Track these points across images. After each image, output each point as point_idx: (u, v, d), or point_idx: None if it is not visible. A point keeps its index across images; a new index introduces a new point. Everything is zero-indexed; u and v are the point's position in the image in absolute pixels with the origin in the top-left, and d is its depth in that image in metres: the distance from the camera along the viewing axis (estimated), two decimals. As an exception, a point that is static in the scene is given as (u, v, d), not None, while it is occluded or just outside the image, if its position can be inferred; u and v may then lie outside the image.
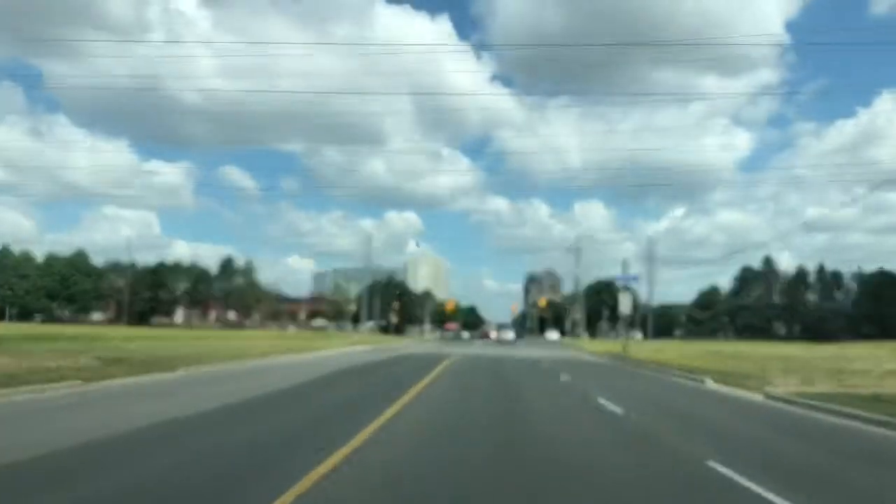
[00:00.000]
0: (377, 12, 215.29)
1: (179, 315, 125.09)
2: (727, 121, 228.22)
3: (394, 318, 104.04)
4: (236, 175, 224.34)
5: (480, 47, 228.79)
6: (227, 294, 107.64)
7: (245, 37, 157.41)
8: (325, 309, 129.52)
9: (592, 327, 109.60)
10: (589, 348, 48.95)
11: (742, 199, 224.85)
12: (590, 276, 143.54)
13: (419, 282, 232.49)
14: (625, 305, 39.73)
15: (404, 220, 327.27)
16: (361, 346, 43.06)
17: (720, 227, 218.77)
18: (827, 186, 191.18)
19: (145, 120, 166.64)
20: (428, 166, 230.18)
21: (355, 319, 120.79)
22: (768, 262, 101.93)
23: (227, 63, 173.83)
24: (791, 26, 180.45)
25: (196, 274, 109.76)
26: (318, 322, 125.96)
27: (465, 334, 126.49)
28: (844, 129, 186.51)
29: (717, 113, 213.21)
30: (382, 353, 33.27)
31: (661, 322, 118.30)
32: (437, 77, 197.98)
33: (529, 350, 45.54)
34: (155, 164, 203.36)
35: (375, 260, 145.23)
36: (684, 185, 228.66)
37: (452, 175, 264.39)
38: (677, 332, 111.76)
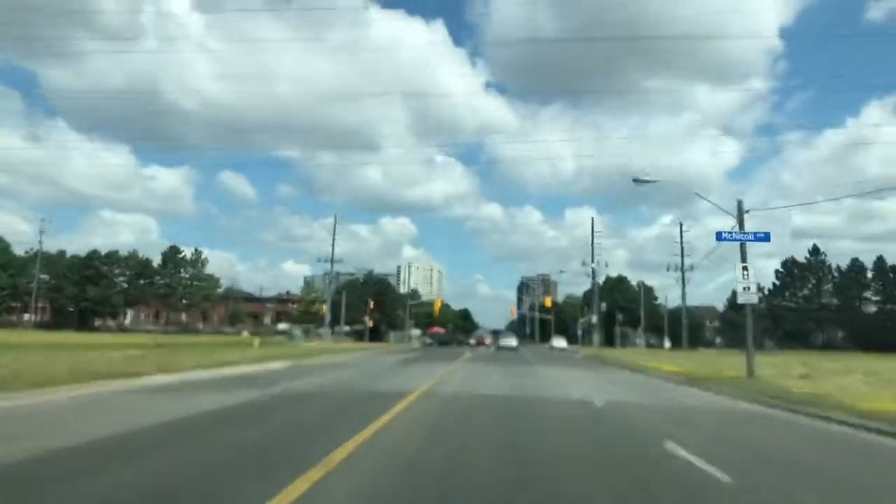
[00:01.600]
0: (372, 19, 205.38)
1: (129, 316, 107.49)
2: (718, 130, 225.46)
3: (368, 321, 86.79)
4: (234, 181, 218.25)
5: (475, 54, 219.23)
6: (171, 290, 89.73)
7: (241, 44, 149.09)
8: (294, 311, 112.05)
9: (609, 333, 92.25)
10: (652, 365, 31.07)
11: (731, 206, 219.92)
12: (584, 284, 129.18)
13: (413, 287, 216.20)
14: (747, 293, 22.35)
15: (398, 225, 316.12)
16: (275, 362, 25.52)
17: (710, 233, 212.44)
18: (814, 194, 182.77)
19: (144, 125, 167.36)
20: (422, 173, 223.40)
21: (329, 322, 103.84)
22: (816, 252, 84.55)
23: (225, 70, 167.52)
24: (785, 33, 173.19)
25: (135, 266, 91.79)
26: (282, 326, 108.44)
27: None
28: (833, 137, 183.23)
29: (708, 122, 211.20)
30: (261, 387, 15.81)
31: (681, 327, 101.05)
32: (431, 84, 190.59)
33: (557, 371, 27.98)
34: (154, 170, 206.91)
35: (369, 265, 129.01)
36: (675, 192, 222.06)
37: (446, 181, 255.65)
38: (713, 339, 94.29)
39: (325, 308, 75.49)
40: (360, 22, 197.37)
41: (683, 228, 73.83)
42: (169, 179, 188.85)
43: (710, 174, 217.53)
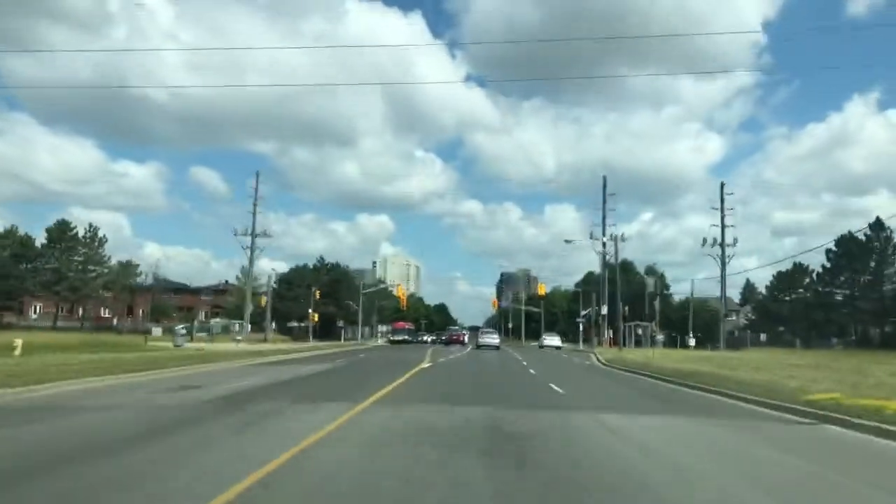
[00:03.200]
0: (348, 9, 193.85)
1: (38, 310, 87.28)
2: (700, 124, 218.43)
3: (313, 315, 67.98)
4: (206, 176, 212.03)
5: (453, 45, 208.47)
6: (60, 276, 69.76)
7: (212, 34, 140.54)
8: (231, 304, 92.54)
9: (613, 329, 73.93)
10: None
11: (713, 202, 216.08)
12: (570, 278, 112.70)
13: (390, 285, 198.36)
14: None
15: (376, 223, 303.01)
16: None
17: (689, 231, 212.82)
18: (796, 190, 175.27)
19: (112, 119, 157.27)
20: (401, 168, 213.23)
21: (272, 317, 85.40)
22: (880, 226, 66.83)
23: (196, 61, 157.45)
24: (768, 28, 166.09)
25: (12, 245, 71.58)
26: (216, 321, 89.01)
27: (427, 337, 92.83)
28: (816, 133, 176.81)
29: (691, 117, 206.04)
30: None
31: (699, 323, 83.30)
32: (410, 77, 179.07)
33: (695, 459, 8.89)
34: (124, 165, 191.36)
35: (346, 263, 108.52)
36: (656, 189, 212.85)
37: (426, 177, 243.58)
38: (739, 334, 76.06)
39: (247, 298, 56.54)
40: (336, 12, 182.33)
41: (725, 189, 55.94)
42: (139, 175, 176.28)
43: (692, 169, 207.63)
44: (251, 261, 54.98)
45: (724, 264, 55.33)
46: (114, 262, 77.25)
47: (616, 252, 47.19)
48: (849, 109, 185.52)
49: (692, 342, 63.32)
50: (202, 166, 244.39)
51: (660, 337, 64.79)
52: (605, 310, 55.68)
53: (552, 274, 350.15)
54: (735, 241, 55.32)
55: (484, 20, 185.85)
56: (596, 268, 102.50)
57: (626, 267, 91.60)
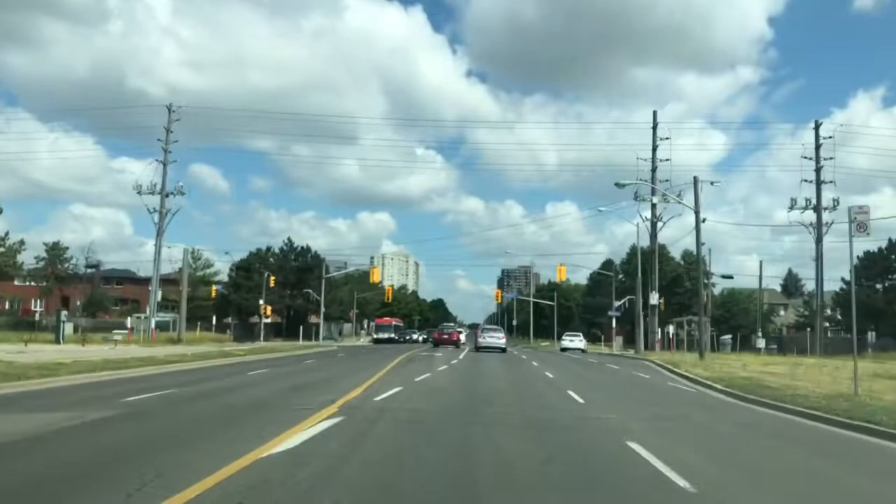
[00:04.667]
0: (348, 4, 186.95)
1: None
2: (704, 120, 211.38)
3: (265, 309, 52.39)
4: (206, 173, 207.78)
5: (453, 41, 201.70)
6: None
7: (212, 30, 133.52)
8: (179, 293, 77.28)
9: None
10: None
11: (716, 201, 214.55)
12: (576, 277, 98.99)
13: (388, 282, 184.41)
14: None
15: (377, 221, 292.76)
16: None
17: (689, 227, 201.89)
18: (799, 188, 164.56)
19: (111, 115, 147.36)
20: (402, 166, 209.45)
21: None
22: None
23: (196, 57, 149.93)
24: (773, 23, 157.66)
25: None
26: (161, 316, 73.74)
27: (418, 335, 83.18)
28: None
29: (694, 112, 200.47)
30: None
31: (741, 320, 67.80)
32: (411, 72, 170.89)
33: None
34: (124, 161, 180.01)
35: (344, 259, 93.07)
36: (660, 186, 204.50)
37: (427, 175, 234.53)
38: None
39: (154, 281, 41.07)
40: (336, 7, 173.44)
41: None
42: (139, 171, 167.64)
43: (694, 166, 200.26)
44: (160, 230, 39.45)
45: (820, 236, 39.88)
46: (12, 240, 61.61)
47: (696, 202, 30.98)
48: (853, 106, 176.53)
49: (760, 343, 47.70)
50: (201, 163, 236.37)
51: (725, 338, 49.09)
52: (653, 299, 40.09)
53: (555, 271, 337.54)
54: (835, 202, 39.95)
55: (485, 14, 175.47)
56: (613, 256, 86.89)
57: (659, 250, 75.93)
